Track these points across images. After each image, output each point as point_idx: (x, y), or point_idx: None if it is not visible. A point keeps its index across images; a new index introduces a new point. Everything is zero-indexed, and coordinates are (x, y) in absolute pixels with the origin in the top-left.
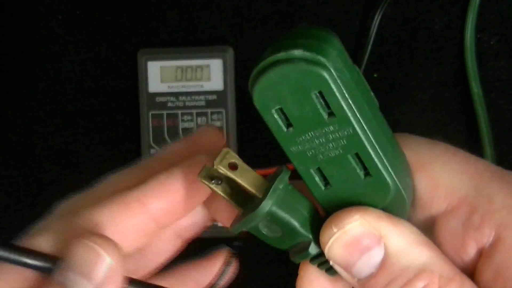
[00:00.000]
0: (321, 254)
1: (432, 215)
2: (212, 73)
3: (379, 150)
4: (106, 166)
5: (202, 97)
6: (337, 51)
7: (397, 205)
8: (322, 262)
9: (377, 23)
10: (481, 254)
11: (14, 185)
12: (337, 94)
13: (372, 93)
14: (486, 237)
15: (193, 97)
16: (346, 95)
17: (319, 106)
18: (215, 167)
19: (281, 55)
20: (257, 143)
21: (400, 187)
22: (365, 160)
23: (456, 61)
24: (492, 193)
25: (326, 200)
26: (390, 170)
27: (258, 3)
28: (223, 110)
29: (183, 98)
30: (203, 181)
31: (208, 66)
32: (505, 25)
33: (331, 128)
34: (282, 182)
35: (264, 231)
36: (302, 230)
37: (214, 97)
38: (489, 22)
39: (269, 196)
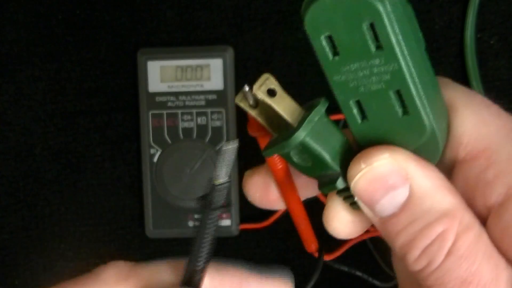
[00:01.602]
0: (348, 188)
1: (452, 160)
2: (212, 73)
3: (421, 90)
4: (106, 166)
5: (202, 97)
6: None
7: (429, 148)
8: (348, 196)
9: None
10: (491, 211)
11: (14, 185)
12: (389, 28)
13: (421, 33)
14: (496, 194)
15: (193, 96)
16: (397, 30)
17: (368, 37)
18: (253, 92)
19: None
20: (257, 142)
21: (436, 130)
22: (406, 98)
23: (456, 61)
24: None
25: (361, 134)
26: (429, 111)
27: (258, 2)
28: (223, 110)
29: (183, 97)
30: (240, 104)
31: (208, 65)
32: (505, 25)
33: (377, 61)
34: (318, 114)
35: (295, 158)
36: (332, 163)
37: (214, 96)
38: (489, 22)
39: (303, 127)
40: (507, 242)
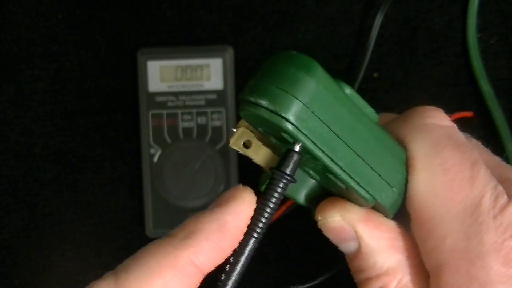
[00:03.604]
0: None
1: (408, 214)
2: (212, 73)
3: (352, 176)
4: (106, 166)
5: (202, 97)
6: (308, 95)
7: (381, 208)
8: None
9: (379, 23)
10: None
11: (14, 185)
12: (302, 140)
13: (366, 109)
14: (430, 264)
15: (193, 96)
16: (311, 139)
17: (291, 141)
18: (230, 146)
19: (252, 98)
20: None
21: (380, 200)
22: (341, 182)
23: (456, 61)
24: (450, 230)
25: (323, 185)
26: (366, 190)
27: (258, 2)
28: (223, 110)
29: (183, 97)
30: (234, 147)
31: (208, 65)
32: (505, 25)
33: (307, 155)
34: (288, 167)
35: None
36: (304, 204)
37: (214, 96)
38: (489, 21)
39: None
40: None
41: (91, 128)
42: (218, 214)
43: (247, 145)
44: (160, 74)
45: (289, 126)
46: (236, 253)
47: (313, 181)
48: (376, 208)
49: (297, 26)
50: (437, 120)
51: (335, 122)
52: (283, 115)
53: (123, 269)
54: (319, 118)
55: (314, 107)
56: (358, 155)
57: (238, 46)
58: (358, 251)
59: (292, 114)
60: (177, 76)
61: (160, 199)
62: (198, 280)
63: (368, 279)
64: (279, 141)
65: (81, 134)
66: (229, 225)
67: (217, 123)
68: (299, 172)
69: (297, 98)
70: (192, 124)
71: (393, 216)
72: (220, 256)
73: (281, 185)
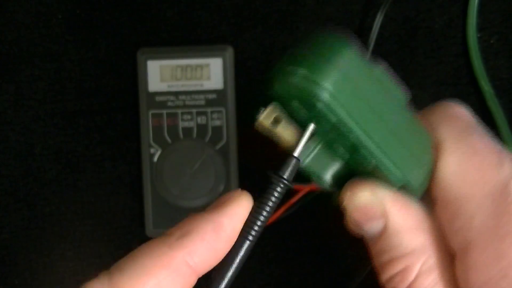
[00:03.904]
0: None
1: (433, 195)
2: (212, 72)
3: (384, 151)
4: (106, 166)
5: (202, 96)
6: (345, 68)
7: (408, 189)
8: None
9: (379, 23)
10: (455, 254)
11: (14, 184)
12: (338, 111)
13: (396, 90)
14: (457, 245)
15: (193, 96)
16: (347, 110)
17: (326, 113)
18: (258, 122)
19: (291, 67)
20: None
21: (410, 180)
22: (373, 158)
23: (456, 60)
24: (480, 209)
25: (351, 165)
26: (397, 167)
27: (258, 2)
28: (223, 109)
29: (183, 97)
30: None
31: (208, 65)
32: (505, 24)
33: (340, 129)
34: (315, 142)
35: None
36: (329, 185)
37: (214, 96)
38: (489, 21)
39: (300, 154)
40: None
41: (91, 128)
42: (214, 215)
43: (276, 123)
44: (160, 74)
45: (327, 96)
46: (230, 255)
47: (340, 163)
48: (404, 189)
49: (297, 26)
50: (462, 113)
51: (369, 96)
52: (322, 83)
53: (117, 268)
54: (355, 90)
55: (351, 79)
56: (390, 130)
57: (238, 46)
58: (384, 230)
59: (331, 83)
60: (177, 75)
61: (160, 199)
62: (193, 280)
63: (392, 260)
64: (312, 116)
65: (81, 134)
66: (225, 227)
67: (217, 122)
68: (326, 152)
69: (336, 68)
70: (192, 123)
71: (420, 197)
72: (215, 257)
73: (279, 189)
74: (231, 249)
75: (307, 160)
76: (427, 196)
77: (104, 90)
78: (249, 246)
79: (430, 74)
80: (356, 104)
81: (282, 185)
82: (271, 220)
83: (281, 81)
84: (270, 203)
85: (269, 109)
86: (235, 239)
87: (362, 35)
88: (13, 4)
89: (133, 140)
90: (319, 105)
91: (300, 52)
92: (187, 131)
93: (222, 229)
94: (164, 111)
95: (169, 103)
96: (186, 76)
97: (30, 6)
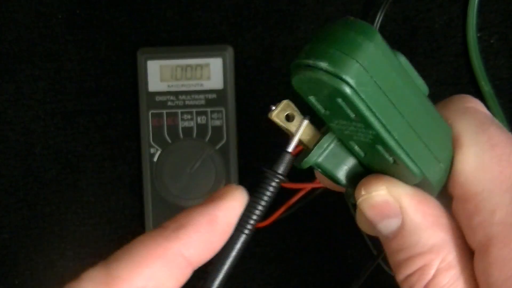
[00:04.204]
0: None
1: (451, 192)
2: (212, 72)
3: (404, 147)
4: (106, 166)
5: (202, 96)
6: (368, 60)
7: (426, 185)
8: None
9: (379, 23)
10: (475, 250)
11: (14, 184)
12: (358, 106)
13: (418, 81)
14: (477, 241)
15: (193, 96)
16: (368, 105)
17: (345, 108)
18: (271, 118)
19: (310, 61)
20: (257, 142)
21: (428, 176)
22: (392, 154)
23: (456, 60)
24: (500, 204)
25: (366, 163)
26: (418, 162)
27: (258, 2)
28: (223, 109)
29: (183, 97)
30: (276, 119)
31: (208, 65)
32: (505, 24)
33: (359, 125)
34: (328, 140)
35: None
36: (344, 182)
37: (214, 96)
38: (489, 21)
39: (313, 152)
40: (483, 285)
41: (91, 128)
42: (210, 209)
43: (289, 119)
44: (160, 74)
45: (348, 90)
46: (225, 249)
47: (354, 160)
48: (421, 185)
49: (297, 26)
50: (477, 106)
51: (390, 90)
52: (343, 77)
53: (114, 258)
54: (376, 84)
55: (373, 72)
56: (410, 126)
57: (238, 46)
58: (401, 228)
59: (352, 77)
60: (177, 75)
61: (160, 198)
62: (187, 272)
63: (410, 258)
64: (328, 111)
65: (81, 134)
66: (220, 220)
67: (217, 122)
68: (340, 149)
69: (357, 61)
70: (192, 123)
71: (437, 194)
72: (210, 250)
73: (274, 184)
74: (226, 243)
75: (321, 158)
76: (444, 192)
77: (104, 90)
78: (244, 240)
79: (430, 74)
80: (378, 97)
81: (277, 180)
82: (271, 220)
83: (301, 74)
84: (266, 198)
85: (281, 106)
86: (230, 233)
87: None
88: (13, 4)
89: (133, 140)
90: (339, 101)
91: (320, 43)
92: (187, 131)
93: (217, 222)
94: (164, 111)
95: (169, 103)
96: (186, 76)
97: (30, 6)
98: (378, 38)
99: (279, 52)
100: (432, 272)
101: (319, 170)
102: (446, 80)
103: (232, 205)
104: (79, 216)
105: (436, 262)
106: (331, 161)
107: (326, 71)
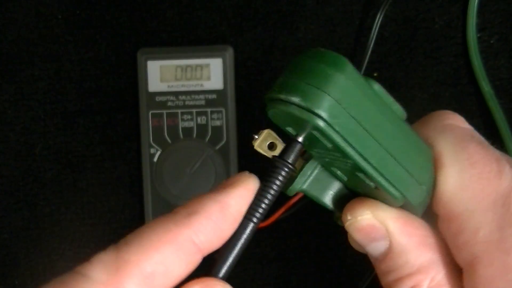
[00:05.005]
0: None
1: (435, 211)
2: (212, 72)
3: (383, 173)
4: (106, 166)
5: (202, 96)
6: (339, 92)
7: (410, 206)
8: None
9: (379, 23)
10: (462, 269)
11: (14, 184)
12: (333, 138)
13: (394, 106)
14: (463, 259)
15: (193, 96)
16: (343, 136)
17: (321, 139)
18: (255, 148)
19: (282, 96)
20: None
21: (410, 198)
22: (371, 180)
23: (456, 61)
24: (483, 222)
25: (351, 186)
26: (399, 186)
27: (258, 2)
28: (223, 109)
29: (183, 97)
30: (259, 149)
31: (208, 65)
32: (505, 24)
33: (337, 154)
34: (311, 167)
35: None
36: (330, 206)
37: (214, 96)
38: (489, 21)
39: (297, 180)
40: None
41: (91, 128)
42: (222, 196)
43: (271, 148)
44: (160, 74)
45: (321, 123)
46: (234, 236)
47: (339, 183)
48: (405, 206)
49: (297, 26)
50: (457, 122)
51: (365, 118)
52: (315, 111)
53: (124, 242)
54: (350, 115)
55: (345, 104)
56: (388, 152)
57: (238, 46)
58: (388, 250)
59: (325, 110)
60: (177, 76)
61: (160, 199)
62: (197, 259)
63: (399, 279)
64: (307, 141)
65: (81, 134)
66: (231, 208)
67: (217, 123)
68: (325, 174)
69: (328, 95)
70: (192, 124)
71: (421, 215)
72: (220, 237)
73: (283, 173)
74: (235, 231)
75: (306, 185)
76: (430, 212)
77: (104, 90)
78: (253, 228)
79: (430, 74)
80: (352, 128)
81: (286, 169)
82: (271, 220)
83: (275, 108)
84: (275, 187)
85: (262, 136)
86: (240, 221)
87: (362, 35)
88: (13, 4)
89: (133, 140)
90: (314, 133)
91: (292, 76)
92: (187, 131)
93: (228, 209)
94: (164, 111)
95: (169, 103)
96: (186, 76)
97: (30, 6)
98: (349, 68)
99: (279, 52)
100: None
101: (306, 195)
102: (446, 80)
103: (244, 194)
104: (79, 216)
105: (425, 282)
106: (316, 187)
107: (299, 106)
